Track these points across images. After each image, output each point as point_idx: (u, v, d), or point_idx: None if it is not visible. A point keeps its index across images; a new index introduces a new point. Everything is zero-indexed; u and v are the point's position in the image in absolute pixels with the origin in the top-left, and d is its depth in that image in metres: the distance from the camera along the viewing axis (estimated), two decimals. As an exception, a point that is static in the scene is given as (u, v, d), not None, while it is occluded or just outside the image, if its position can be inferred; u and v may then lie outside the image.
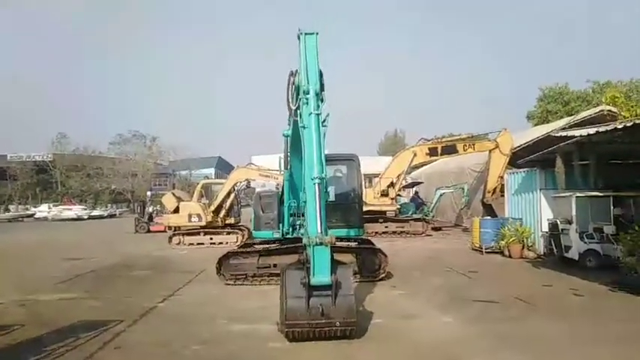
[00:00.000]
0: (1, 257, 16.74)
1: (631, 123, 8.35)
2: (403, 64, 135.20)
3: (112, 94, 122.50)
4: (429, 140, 20.69)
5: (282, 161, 9.41)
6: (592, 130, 9.11)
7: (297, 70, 6.95)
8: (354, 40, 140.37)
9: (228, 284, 9.77)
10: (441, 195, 23.45)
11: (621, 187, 11.16)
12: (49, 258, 15.60)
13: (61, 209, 49.06)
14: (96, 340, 6.21)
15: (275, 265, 9.54)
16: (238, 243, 16.68)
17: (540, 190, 13.25)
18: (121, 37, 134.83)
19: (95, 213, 50.22)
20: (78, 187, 61.51)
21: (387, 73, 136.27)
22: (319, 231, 5.88)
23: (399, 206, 21.36)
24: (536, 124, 34.18)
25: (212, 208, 18.80)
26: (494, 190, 18.93)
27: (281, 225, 10.37)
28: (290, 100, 7.08)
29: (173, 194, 19.98)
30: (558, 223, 11.55)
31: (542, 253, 12.96)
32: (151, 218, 27.47)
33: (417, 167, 28.08)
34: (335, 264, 5.93)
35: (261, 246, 10.25)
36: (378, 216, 19.82)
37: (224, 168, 62.88)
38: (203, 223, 18.22)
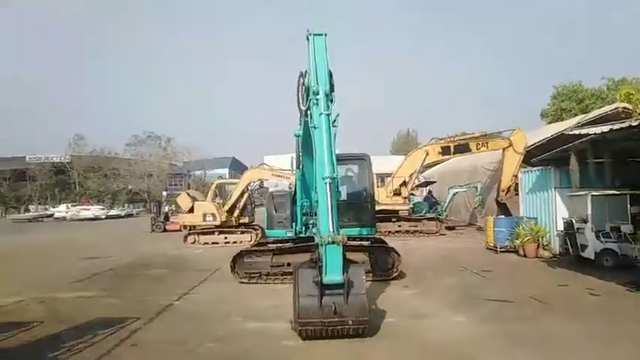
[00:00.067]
0: (22, 256, 17.16)
1: (646, 120, 8.24)
2: (414, 63, 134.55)
3: (128, 96, 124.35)
4: (441, 139, 20.57)
5: (294, 161, 9.50)
6: (606, 128, 8.99)
7: (306, 71, 7.01)
8: (363, 39, 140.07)
9: (243, 282, 9.88)
10: (454, 194, 23.30)
11: (638, 185, 10.98)
12: (67, 257, 15.92)
13: (79, 209, 49.95)
14: (113, 337, 6.34)
15: (288, 264, 9.61)
16: (252, 242, 16.80)
17: (555, 188, 13.10)
18: (137, 39, 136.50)
19: (112, 213, 51.02)
20: (95, 188, 62.55)
21: (398, 72, 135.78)
22: (331, 230, 5.92)
23: (412, 205, 21.28)
24: (550, 122, 33.76)
25: (226, 207, 18.97)
26: (509, 189, 18.75)
27: (294, 224, 10.45)
28: (300, 100, 7.14)
29: (188, 194, 20.21)
30: (574, 222, 11.41)
31: (557, 252, 12.81)
32: (167, 218, 27.83)
33: (429, 166, 27.89)
34: (347, 263, 5.96)
35: (275, 245, 10.34)
36: (390, 215, 19.78)
37: (238, 168, 63.34)
38: (217, 223, 18.40)
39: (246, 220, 19.84)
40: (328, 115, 6.53)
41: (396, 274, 9.88)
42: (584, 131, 10.10)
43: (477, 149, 19.78)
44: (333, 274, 5.73)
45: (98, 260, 14.47)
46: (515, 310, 7.51)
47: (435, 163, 26.46)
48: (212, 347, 6.02)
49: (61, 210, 51.25)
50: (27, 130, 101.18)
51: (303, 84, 7.10)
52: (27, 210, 58.24)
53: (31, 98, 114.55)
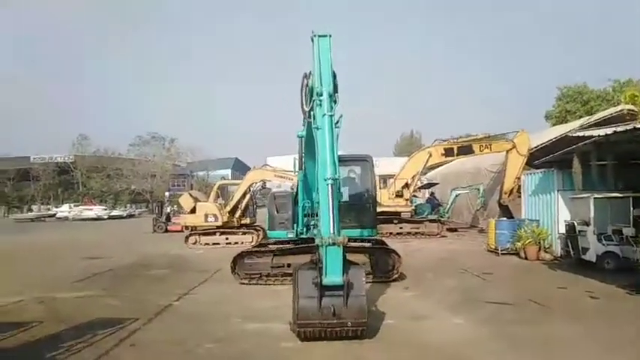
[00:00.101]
0: (23, 256, 17.20)
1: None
2: (418, 64, 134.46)
3: (132, 97, 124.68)
4: (444, 141, 20.53)
5: (297, 162, 9.48)
6: (610, 130, 8.95)
7: (310, 72, 7.01)
8: (368, 41, 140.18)
9: (243, 283, 9.88)
10: (456, 196, 23.24)
11: (641, 188, 10.93)
12: (68, 257, 15.94)
13: (82, 209, 50.02)
14: (112, 337, 6.35)
15: (289, 265, 9.60)
16: (254, 243, 16.80)
17: (558, 191, 13.06)
18: (140, 40, 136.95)
19: (115, 213, 51.05)
20: (98, 188, 62.69)
21: (402, 73, 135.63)
22: (332, 231, 5.90)
23: (414, 207, 21.24)
24: (554, 124, 33.66)
25: (228, 208, 18.98)
26: (511, 191, 18.69)
27: (295, 225, 10.43)
28: (304, 101, 7.13)
29: (190, 195, 20.23)
30: (576, 224, 11.38)
31: (559, 255, 12.78)
32: (168, 218, 27.85)
33: (433, 168, 27.88)
34: (347, 264, 5.94)
35: (275, 246, 10.33)
36: (392, 217, 19.74)
37: (240, 169, 63.43)
38: (219, 224, 18.41)
39: (247, 221, 19.85)
40: (331, 116, 6.52)
41: (396, 275, 9.86)
42: (587, 133, 10.06)
43: (480, 151, 19.71)
44: (333, 276, 5.71)
45: (99, 260, 14.50)
46: (514, 313, 7.49)
47: (438, 165, 26.44)
48: (211, 348, 6.02)
49: (64, 210, 51.35)
50: (31, 130, 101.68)
51: (307, 85, 7.10)
52: (30, 210, 58.47)
53: (36, 99, 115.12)
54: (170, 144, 64.47)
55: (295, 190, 11.20)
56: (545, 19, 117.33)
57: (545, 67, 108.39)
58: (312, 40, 7.00)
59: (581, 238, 11.19)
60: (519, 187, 16.85)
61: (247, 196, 19.42)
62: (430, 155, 19.90)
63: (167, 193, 35.65)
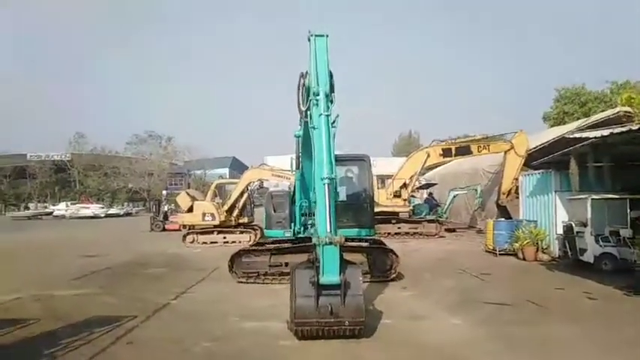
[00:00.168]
0: (20, 254, 17.16)
1: (647, 124, 8.23)
2: (417, 64, 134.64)
3: (129, 95, 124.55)
4: (442, 141, 20.55)
5: (294, 161, 9.48)
6: (607, 132, 8.99)
7: (307, 72, 7.01)
8: (366, 41, 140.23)
9: (241, 282, 9.87)
10: (454, 196, 23.27)
11: (639, 190, 10.96)
12: (66, 255, 15.93)
13: (79, 207, 49.93)
14: (109, 334, 6.34)
15: (286, 264, 9.59)
16: (251, 242, 16.80)
17: (555, 192, 13.10)
18: (138, 39, 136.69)
19: (112, 211, 51.03)
20: (95, 186, 62.63)
21: (401, 73, 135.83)
22: (329, 231, 5.91)
23: (412, 207, 21.26)
24: (552, 126, 33.74)
25: (225, 207, 18.96)
26: (509, 191, 18.71)
27: (292, 224, 10.43)
28: (300, 101, 7.13)
29: (187, 193, 20.23)
30: (573, 225, 11.41)
31: (556, 255, 12.81)
32: (166, 217, 27.82)
33: (431, 168, 27.90)
34: (344, 264, 5.96)
35: (273, 245, 10.33)
36: (390, 217, 19.76)
37: (238, 168, 63.33)
38: (216, 222, 18.40)
39: (245, 220, 19.85)
40: (328, 116, 6.52)
41: (394, 275, 9.86)
42: (584, 135, 10.10)
43: (479, 152, 19.72)
44: (330, 275, 5.72)
45: (96, 258, 14.48)
46: (512, 314, 7.51)
47: (436, 165, 26.47)
48: (209, 346, 6.01)
49: (61, 208, 51.25)
50: (28, 128, 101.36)
51: (304, 84, 7.10)
52: (27, 208, 58.26)
53: (33, 97, 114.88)
54: (167, 142, 64.45)
55: (292, 189, 11.22)
56: (545, 20, 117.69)
57: (543, 68, 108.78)
58: (309, 40, 7.00)
59: (578, 239, 11.22)
60: (517, 187, 16.87)
61: (245, 195, 19.42)
62: (428, 155, 19.91)
63: (165, 192, 35.66)
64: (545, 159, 13.01)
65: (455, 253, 14.82)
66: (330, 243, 5.74)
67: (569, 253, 11.57)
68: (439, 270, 11.69)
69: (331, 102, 6.67)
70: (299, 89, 7.16)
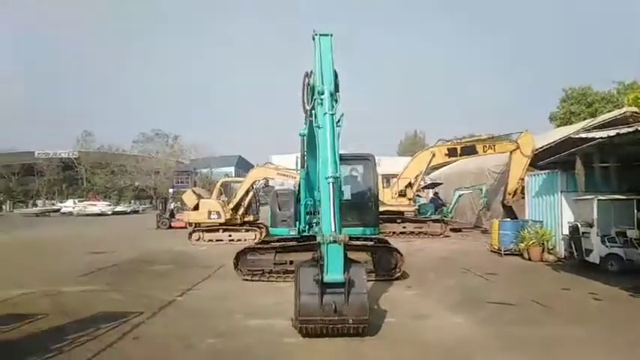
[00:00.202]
0: (29, 250, 17.34)
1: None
2: (423, 64, 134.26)
3: (136, 94, 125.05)
4: (448, 141, 20.50)
5: (299, 160, 9.51)
6: (613, 132, 8.96)
7: (312, 71, 7.04)
8: (371, 39, 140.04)
9: (246, 280, 9.93)
10: (459, 196, 23.22)
11: (646, 190, 10.92)
12: (73, 252, 16.08)
13: (86, 205, 50.29)
14: (115, 330, 6.42)
15: (291, 262, 9.65)
16: (256, 240, 16.86)
17: (561, 192, 13.06)
18: (145, 38, 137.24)
19: (119, 209, 51.33)
20: (102, 184, 63.06)
21: (407, 73, 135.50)
22: (333, 229, 5.93)
23: (417, 207, 21.24)
24: (558, 126, 33.56)
25: (231, 205, 19.07)
26: (515, 192, 18.66)
27: (297, 223, 10.46)
28: (305, 100, 7.16)
29: (193, 191, 20.34)
30: (579, 226, 11.37)
31: (562, 256, 12.77)
32: (172, 215, 27.97)
33: (436, 168, 27.84)
34: (348, 262, 5.98)
35: (278, 243, 10.37)
36: (395, 216, 19.76)
37: (244, 167, 63.49)
38: (222, 220, 18.51)
39: (250, 218, 19.94)
40: (332, 115, 6.54)
41: (398, 274, 9.88)
42: (590, 135, 10.08)
43: (484, 152, 19.65)
44: (334, 273, 5.75)
45: (103, 255, 14.61)
46: (516, 313, 7.50)
47: (441, 165, 26.42)
48: (213, 343, 6.07)
49: (68, 205, 51.64)
50: (36, 126, 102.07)
51: (308, 84, 7.13)
52: (34, 205, 58.78)
53: (41, 95, 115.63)
54: (173, 141, 64.83)
55: (297, 188, 11.25)
56: (551, 19, 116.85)
57: (551, 68, 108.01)
58: (314, 39, 7.03)
59: (584, 240, 11.18)
60: (523, 188, 16.82)
61: (250, 194, 19.51)
62: (433, 155, 19.86)
63: (171, 190, 35.85)
64: (551, 159, 12.98)
65: (460, 253, 14.80)
66: (335, 241, 5.76)
67: (575, 254, 11.53)
68: (444, 269, 11.69)
69: (336, 101, 6.69)
70: (304, 88, 7.20)
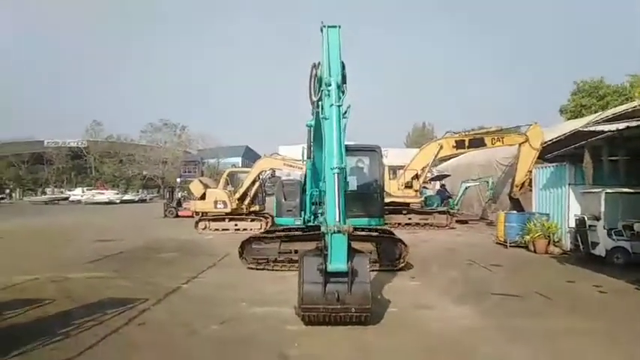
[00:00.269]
0: (37, 237, 17.55)
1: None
2: (433, 55, 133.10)
3: (144, 84, 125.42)
4: (456, 133, 20.37)
5: (306, 151, 9.52)
6: (622, 125, 8.87)
7: (319, 62, 7.02)
8: (381, 31, 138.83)
9: (250, 268, 10.00)
10: (466, 188, 23.15)
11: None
12: (81, 239, 16.26)
13: (94, 193, 50.84)
14: (121, 316, 6.52)
15: (296, 252, 9.68)
16: (262, 230, 16.94)
17: (569, 185, 12.98)
18: (154, 27, 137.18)
19: (126, 197, 51.78)
20: (110, 173, 63.64)
21: (416, 64, 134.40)
22: (337, 219, 5.96)
23: (423, 198, 21.19)
24: (569, 118, 33.21)
25: (237, 195, 19.14)
26: (523, 184, 18.53)
27: (303, 213, 10.50)
28: (312, 92, 7.16)
29: (200, 181, 20.46)
30: (586, 219, 11.30)
31: (568, 249, 12.72)
32: (179, 204, 28.19)
33: (444, 160, 27.72)
34: (352, 252, 6.02)
35: (283, 232, 10.42)
36: (401, 207, 19.74)
37: (251, 157, 63.59)
38: (228, 210, 18.61)
39: (256, 208, 20.03)
40: (339, 106, 6.53)
41: (402, 264, 9.90)
42: (599, 128, 9.99)
43: (492, 144, 19.48)
44: (338, 263, 5.79)
45: (111, 243, 14.76)
46: (519, 305, 7.50)
47: (449, 157, 26.30)
48: (217, 329, 6.14)
49: (77, 193, 52.21)
50: (46, 115, 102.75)
51: (316, 75, 7.12)
52: (44, 193, 59.44)
53: (51, 85, 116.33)
54: (181, 131, 65.10)
55: (303, 178, 11.28)
56: (564, 10, 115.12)
57: (563, 60, 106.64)
58: (322, 31, 7.01)
59: (591, 233, 11.12)
60: (531, 180, 16.72)
61: (256, 184, 19.56)
62: (441, 147, 19.73)
63: (178, 179, 36.09)
64: (559, 152, 12.90)
65: (465, 245, 14.77)
66: (339, 231, 5.79)
67: (581, 247, 11.48)
68: (448, 261, 11.70)
69: (343, 93, 6.68)
70: (311, 79, 7.19)
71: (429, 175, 21.77)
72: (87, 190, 53.92)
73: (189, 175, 33.73)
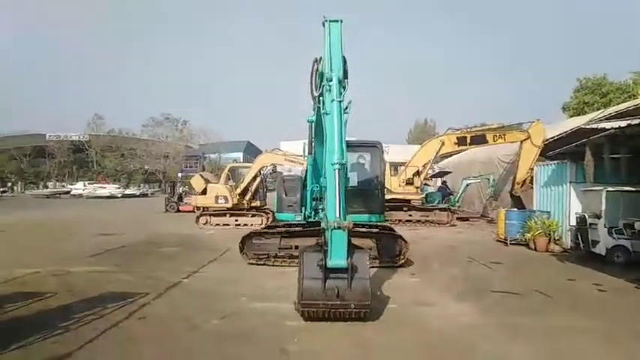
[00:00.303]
0: (39, 231, 17.60)
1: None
2: (434, 52, 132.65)
3: (146, 78, 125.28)
4: (458, 130, 20.35)
5: (307, 147, 9.51)
6: (624, 123, 8.84)
7: (321, 57, 7.00)
8: (382, 28, 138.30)
9: (251, 263, 10.02)
10: (467, 185, 23.13)
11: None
12: (82, 233, 16.30)
13: (96, 187, 50.91)
14: (122, 310, 6.54)
15: (296, 247, 9.68)
16: (263, 225, 16.96)
17: (570, 183, 12.96)
18: (156, 23, 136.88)
19: (128, 192, 51.87)
20: (112, 167, 63.69)
21: (418, 61, 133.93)
22: (338, 215, 5.96)
23: (424, 195, 21.18)
24: (571, 116, 33.09)
25: (238, 190, 19.15)
26: (524, 181, 18.54)
27: (303, 208, 10.50)
28: (313, 87, 7.14)
29: (201, 176, 20.46)
30: (586, 217, 11.29)
31: (568, 247, 12.72)
32: (180, 198, 28.20)
33: (445, 156, 27.69)
34: (352, 248, 6.02)
35: (283, 228, 10.43)
36: (402, 204, 19.74)
37: (252, 152, 63.56)
38: (229, 205, 18.63)
39: (257, 203, 20.03)
40: (340, 102, 6.51)
41: (402, 261, 9.91)
42: (601, 126, 9.95)
43: (494, 141, 19.50)
44: (338, 259, 5.80)
45: (112, 237, 14.80)
46: (519, 303, 7.50)
47: (450, 154, 26.27)
48: (217, 324, 6.17)
49: (79, 187, 52.28)
50: (48, 108, 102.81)
51: (317, 70, 7.10)
52: (45, 186, 59.57)
53: (53, 78, 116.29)
54: (183, 126, 65.07)
55: (304, 174, 11.27)
56: (565, 9, 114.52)
57: (564, 59, 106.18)
58: (324, 25, 6.98)
59: (591, 231, 11.11)
60: (532, 178, 16.70)
61: (258, 180, 19.56)
62: (442, 144, 19.73)
63: (180, 174, 36.08)
64: (560, 149, 12.86)
65: (465, 242, 14.79)
66: (339, 227, 5.79)
67: (582, 245, 11.47)
68: (448, 258, 11.70)
69: (344, 88, 6.66)
70: (312, 75, 7.17)
71: (430, 171, 21.78)
72: (88, 183, 53.99)
73: (191, 170, 33.61)
